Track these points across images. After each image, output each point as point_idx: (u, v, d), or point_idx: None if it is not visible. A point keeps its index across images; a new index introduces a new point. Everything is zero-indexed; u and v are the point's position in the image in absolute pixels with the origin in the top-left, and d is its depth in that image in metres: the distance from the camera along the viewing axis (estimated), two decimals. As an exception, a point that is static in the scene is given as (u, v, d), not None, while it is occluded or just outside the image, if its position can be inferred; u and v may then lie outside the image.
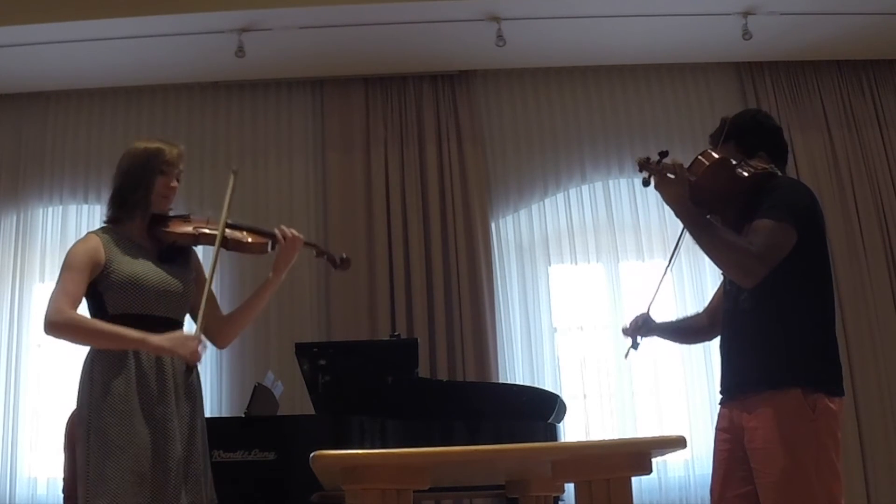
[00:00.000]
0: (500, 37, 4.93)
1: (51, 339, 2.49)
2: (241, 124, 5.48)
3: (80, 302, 2.49)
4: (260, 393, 3.79)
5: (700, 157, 2.51)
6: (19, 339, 5.04)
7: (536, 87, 5.58)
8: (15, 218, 5.27)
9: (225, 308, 2.84)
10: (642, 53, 5.41)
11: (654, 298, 2.83)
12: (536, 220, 5.39)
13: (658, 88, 5.59)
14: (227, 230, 2.63)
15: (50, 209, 5.32)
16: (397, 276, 5.13)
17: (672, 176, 2.42)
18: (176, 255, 2.69)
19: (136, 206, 2.62)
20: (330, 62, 5.28)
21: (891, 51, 5.52)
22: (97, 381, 2.47)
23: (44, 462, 4.88)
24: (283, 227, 2.72)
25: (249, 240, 2.66)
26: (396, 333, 4.64)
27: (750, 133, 2.60)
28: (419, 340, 4.54)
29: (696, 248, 2.48)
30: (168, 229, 2.64)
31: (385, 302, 5.09)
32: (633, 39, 5.23)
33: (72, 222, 5.28)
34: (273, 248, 2.71)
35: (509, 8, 4.82)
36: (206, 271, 2.72)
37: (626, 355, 2.84)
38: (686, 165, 2.48)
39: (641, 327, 2.79)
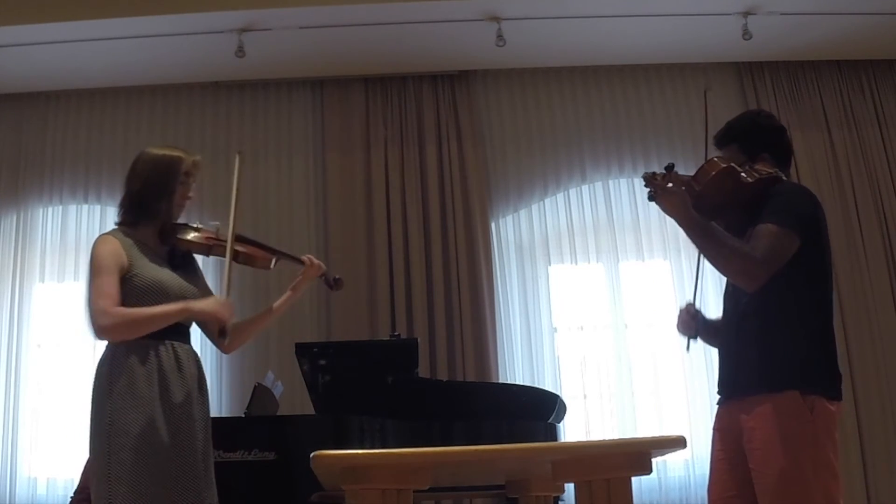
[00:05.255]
0: (500, 37, 4.94)
1: (104, 341, 2.54)
2: (241, 124, 5.48)
3: (118, 302, 2.49)
4: (260, 393, 3.79)
5: (706, 165, 2.51)
6: (19, 339, 5.02)
7: (536, 87, 5.58)
8: (15, 218, 5.27)
9: None
10: (642, 53, 5.41)
11: (696, 289, 2.74)
12: (536, 220, 5.39)
13: (658, 88, 5.59)
14: (237, 244, 2.69)
15: (50, 209, 5.32)
16: (397, 276, 5.13)
17: (672, 185, 2.43)
18: (185, 262, 2.74)
19: (158, 213, 2.64)
20: (330, 62, 5.28)
21: (891, 51, 5.52)
22: (118, 382, 2.47)
23: (44, 462, 4.88)
24: (311, 256, 2.86)
25: (256, 254, 2.76)
26: (396, 333, 4.64)
27: (752, 135, 2.60)
28: (419, 340, 4.54)
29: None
30: (184, 237, 2.67)
31: (385, 302, 5.09)
32: (633, 39, 5.23)
33: (72, 222, 5.29)
34: (276, 263, 2.81)
35: (509, 8, 4.82)
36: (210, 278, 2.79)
37: (688, 348, 2.74)
38: (692, 174, 2.48)
39: (696, 316, 2.70)
